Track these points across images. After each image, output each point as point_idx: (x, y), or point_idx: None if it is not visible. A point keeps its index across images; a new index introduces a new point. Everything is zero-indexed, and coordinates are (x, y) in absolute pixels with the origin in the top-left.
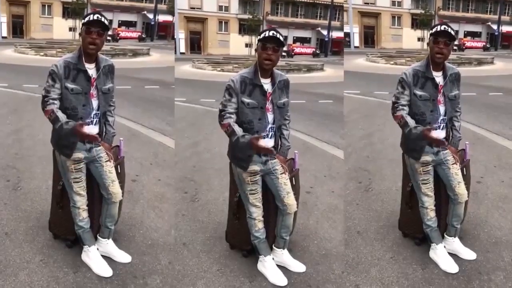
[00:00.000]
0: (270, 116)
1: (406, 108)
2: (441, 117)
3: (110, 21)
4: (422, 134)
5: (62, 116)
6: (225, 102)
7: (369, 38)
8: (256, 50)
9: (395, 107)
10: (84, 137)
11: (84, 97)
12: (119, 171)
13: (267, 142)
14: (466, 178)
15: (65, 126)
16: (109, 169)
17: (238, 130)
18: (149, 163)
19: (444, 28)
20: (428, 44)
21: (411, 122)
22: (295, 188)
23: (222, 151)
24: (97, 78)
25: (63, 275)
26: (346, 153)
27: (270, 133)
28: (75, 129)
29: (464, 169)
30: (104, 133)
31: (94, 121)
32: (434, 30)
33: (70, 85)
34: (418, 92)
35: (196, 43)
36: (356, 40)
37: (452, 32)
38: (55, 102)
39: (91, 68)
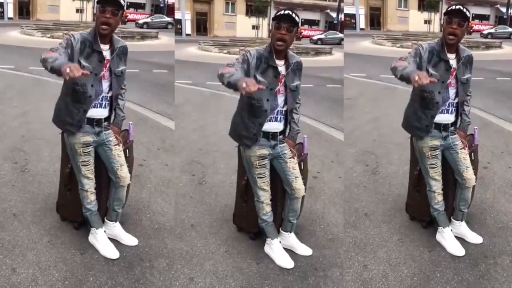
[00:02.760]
0: (280, 99)
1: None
2: (450, 100)
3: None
4: (410, 76)
5: (64, 58)
6: (236, 62)
7: (375, 20)
8: (270, 30)
9: (401, 58)
10: (72, 71)
11: (93, 77)
12: (127, 155)
13: (276, 125)
14: (474, 163)
15: (59, 61)
16: (117, 153)
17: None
18: (157, 147)
19: (459, 7)
20: (441, 25)
21: (412, 67)
22: (303, 173)
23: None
24: (111, 60)
25: (71, 256)
26: (353, 136)
27: (280, 116)
28: (64, 68)
29: (472, 154)
30: (114, 117)
31: (104, 104)
32: (448, 9)
33: (83, 62)
34: (430, 71)
35: (202, 25)
36: (362, 22)
37: (467, 13)
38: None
39: (105, 50)
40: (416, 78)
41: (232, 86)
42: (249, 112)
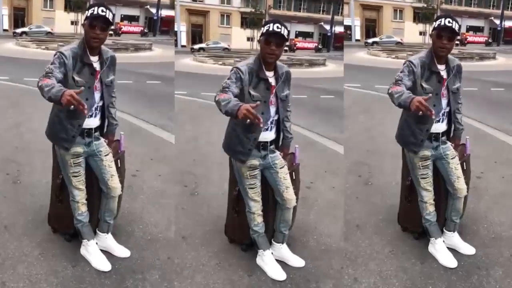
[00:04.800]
0: (272, 110)
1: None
2: (442, 111)
3: (113, 15)
4: (412, 100)
5: (57, 84)
6: (230, 82)
7: (371, 31)
8: (259, 41)
9: (397, 83)
10: (72, 102)
11: (87, 91)
12: (119, 165)
13: (267, 135)
14: (466, 173)
15: (56, 88)
16: (108, 163)
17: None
18: (150, 158)
19: (449, 21)
20: (431, 36)
21: (406, 92)
22: (295, 183)
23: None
24: (101, 71)
25: (62, 268)
26: (346, 147)
27: (270, 126)
28: (63, 95)
29: (464, 163)
30: (106, 125)
31: (94, 114)
32: (437, 23)
33: (76, 78)
34: (424, 85)
35: (197, 36)
36: (357, 33)
37: (456, 27)
38: (56, 79)
39: (95, 61)
40: (414, 107)
41: (230, 114)
42: (243, 128)
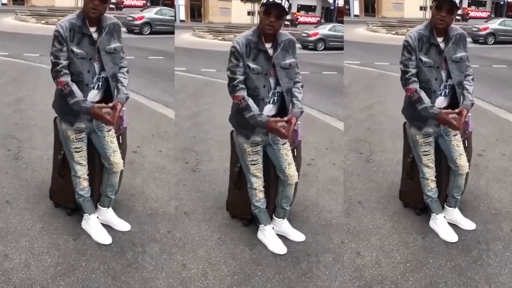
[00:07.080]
0: (272, 81)
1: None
2: (444, 83)
3: None
4: (438, 117)
5: (78, 92)
6: (233, 68)
7: (370, 6)
8: (258, 13)
9: (406, 78)
10: (100, 119)
11: (88, 63)
12: (120, 141)
13: (269, 109)
14: (468, 150)
15: (82, 104)
16: (110, 139)
17: (254, 107)
18: (151, 134)
19: None
20: (430, 8)
21: (426, 99)
22: (297, 160)
23: (223, 122)
24: (99, 38)
25: (63, 241)
26: (347, 124)
27: (272, 98)
28: (92, 110)
29: (466, 141)
30: (116, 94)
31: (96, 85)
32: None
33: (76, 49)
34: (424, 58)
35: (196, 11)
36: (356, 9)
37: (457, 0)
38: (68, 72)
39: (94, 32)
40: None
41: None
42: None
